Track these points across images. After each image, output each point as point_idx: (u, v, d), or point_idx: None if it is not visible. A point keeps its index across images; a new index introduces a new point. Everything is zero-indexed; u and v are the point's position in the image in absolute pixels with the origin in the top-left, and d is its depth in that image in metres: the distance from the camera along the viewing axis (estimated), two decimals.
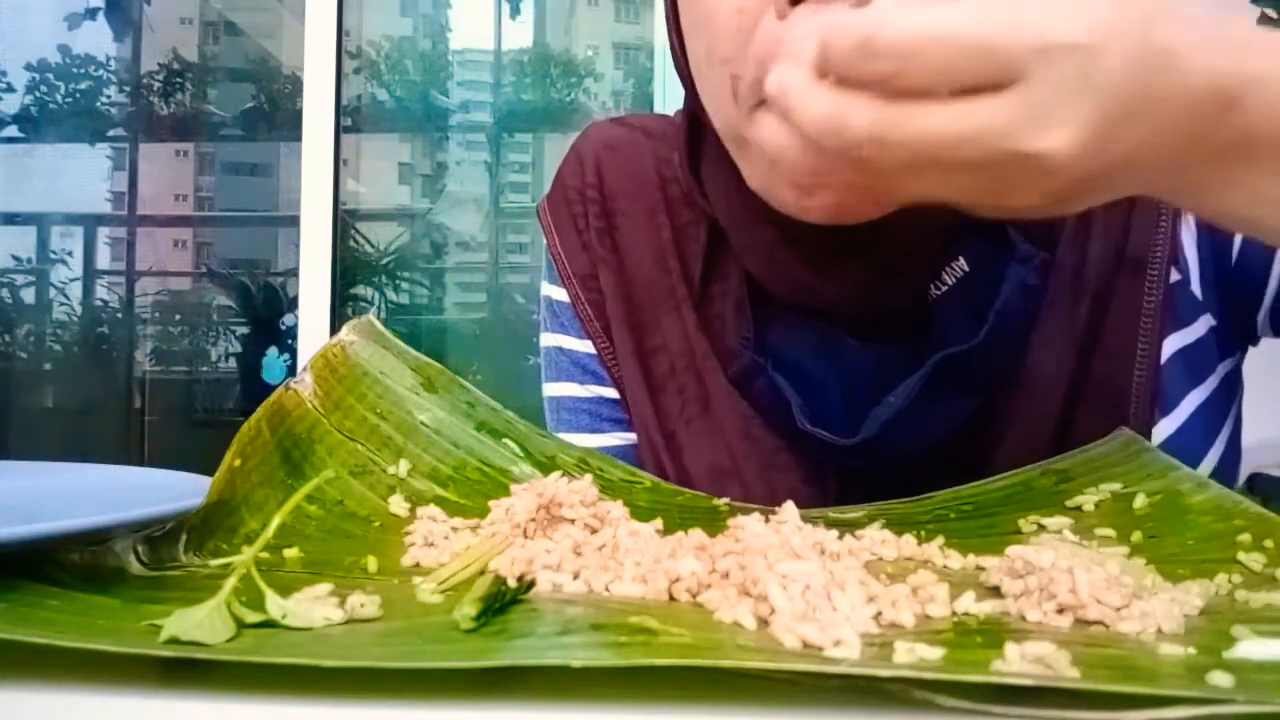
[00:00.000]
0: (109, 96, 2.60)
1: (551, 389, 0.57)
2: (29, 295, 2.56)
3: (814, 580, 0.26)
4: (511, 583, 0.29)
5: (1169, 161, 0.30)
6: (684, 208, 0.54)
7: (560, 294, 0.56)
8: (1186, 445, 0.47)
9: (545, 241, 0.57)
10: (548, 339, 0.58)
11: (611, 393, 0.55)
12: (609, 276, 0.54)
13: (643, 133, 0.57)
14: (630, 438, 0.55)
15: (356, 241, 2.36)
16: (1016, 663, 0.22)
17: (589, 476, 0.37)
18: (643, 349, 0.53)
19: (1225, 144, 0.30)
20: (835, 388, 0.47)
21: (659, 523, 0.34)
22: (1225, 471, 0.50)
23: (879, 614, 0.26)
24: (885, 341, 0.47)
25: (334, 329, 1.93)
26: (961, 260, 0.45)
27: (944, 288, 0.45)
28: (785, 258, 0.46)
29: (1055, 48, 0.26)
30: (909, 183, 0.30)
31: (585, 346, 0.55)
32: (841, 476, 0.48)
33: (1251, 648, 0.23)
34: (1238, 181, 0.32)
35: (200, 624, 0.24)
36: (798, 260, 0.45)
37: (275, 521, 0.30)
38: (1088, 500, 0.37)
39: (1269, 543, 0.32)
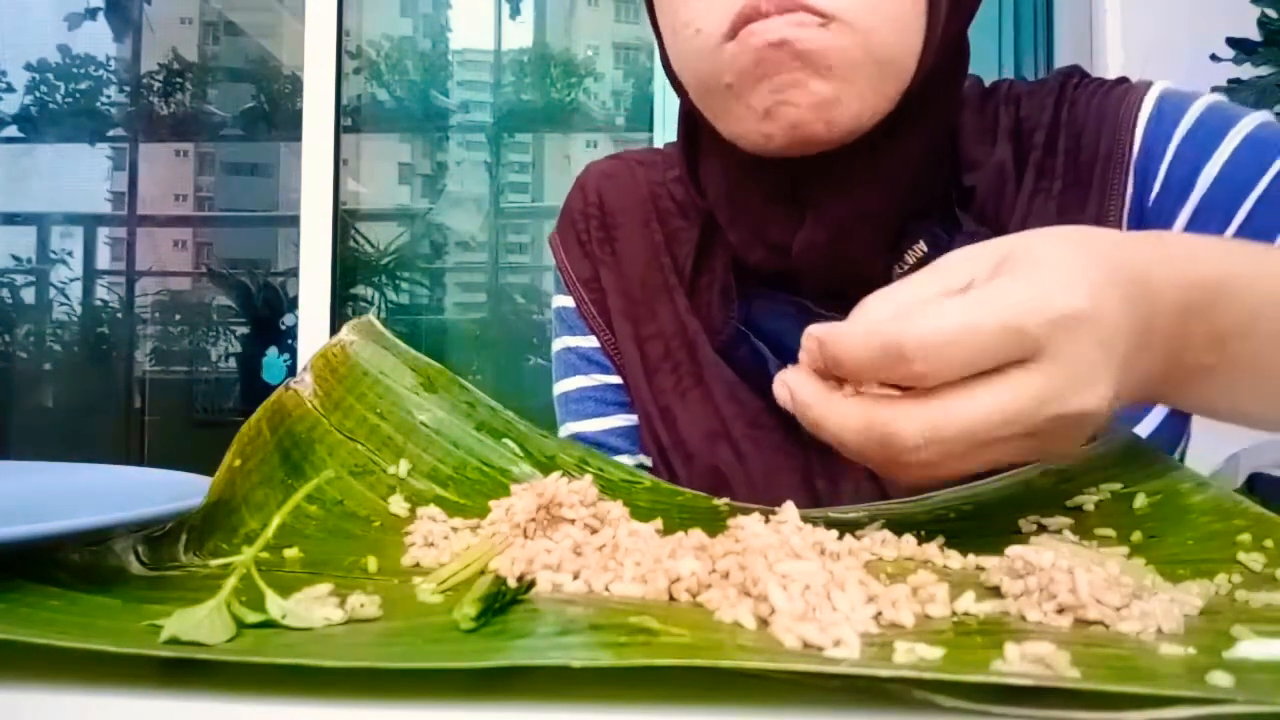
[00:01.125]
0: (109, 96, 2.60)
1: (561, 385, 0.63)
2: (29, 295, 2.56)
3: (814, 580, 0.26)
4: (511, 583, 0.29)
5: (1159, 373, 0.34)
6: (674, 217, 0.61)
7: (567, 301, 0.63)
8: None
9: (554, 262, 0.63)
10: (558, 343, 0.64)
11: (614, 379, 0.61)
12: (609, 276, 0.61)
13: (635, 162, 0.65)
14: (633, 419, 0.60)
15: (356, 241, 2.36)
16: (1016, 663, 0.22)
17: (589, 476, 0.37)
18: (640, 336, 0.59)
19: (1201, 347, 0.35)
20: None
21: (659, 523, 0.34)
22: (1171, 429, 0.52)
23: (879, 614, 0.26)
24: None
25: (334, 329, 1.93)
26: (921, 243, 0.50)
27: (905, 267, 0.50)
28: (763, 220, 0.52)
29: (1067, 318, 0.29)
30: (966, 464, 0.32)
31: (590, 341, 0.61)
32: None
33: (1251, 648, 0.23)
34: (1212, 377, 0.36)
35: (200, 624, 0.24)
36: (772, 221, 0.51)
37: (275, 521, 0.30)
38: (1088, 500, 0.37)
39: (1269, 543, 0.32)
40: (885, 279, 0.49)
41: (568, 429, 0.62)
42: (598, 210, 0.62)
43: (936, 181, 0.52)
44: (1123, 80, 0.54)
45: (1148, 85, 0.53)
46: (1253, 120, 0.50)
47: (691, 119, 0.55)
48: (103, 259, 2.59)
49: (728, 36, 0.44)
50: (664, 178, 0.62)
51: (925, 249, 0.50)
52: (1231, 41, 1.55)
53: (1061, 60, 1.84)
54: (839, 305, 0.50)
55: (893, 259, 0.51)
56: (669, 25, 0.49)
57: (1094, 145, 0.52)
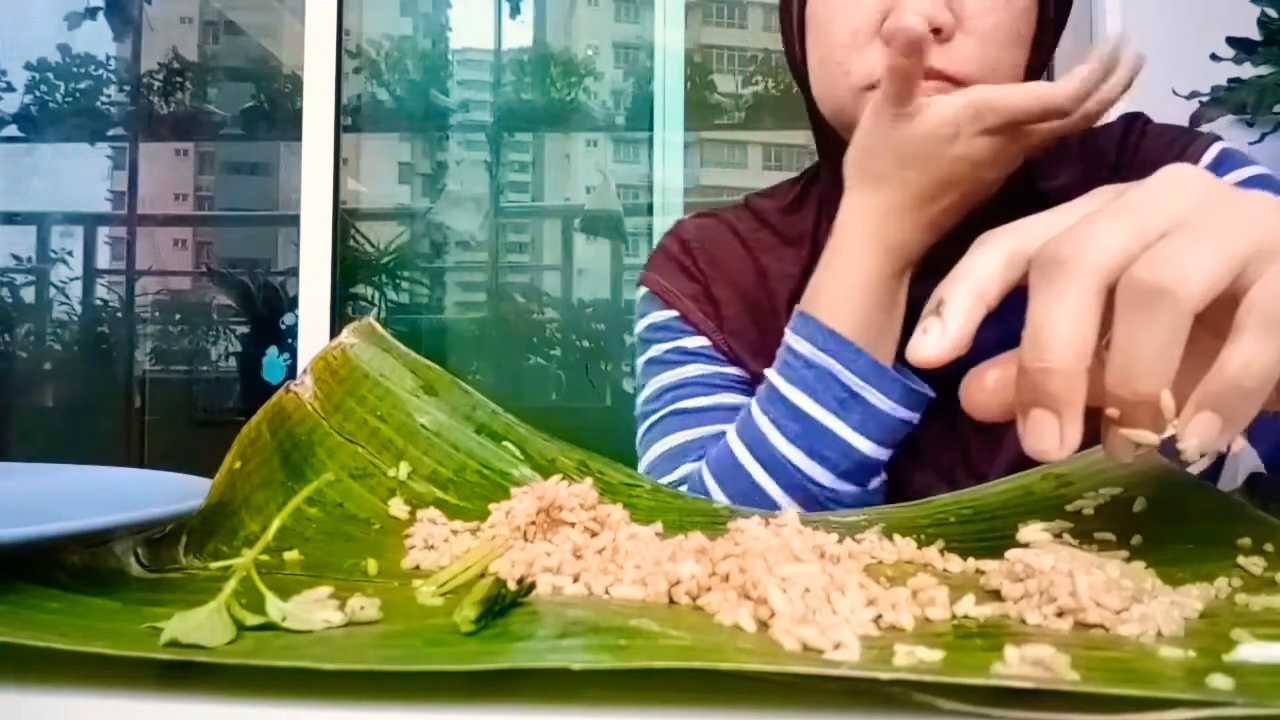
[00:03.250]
0: (109, 96, 2.60)
1: (658, 381, 0.66)
2: (29, 295, 2.57)
3: (814, 583, 0.26)
4: (511, 585, 0.29)
5: None
6: (777, 248, 0.67)
7: (666, 313, 0.68)
8: None
9: (648, 291, 0.69)
10: (653, 351, 0.68)
11: (726, 369, 0.65)
12: (723, 288, 0.66)
13: (721, 215, 0.71)
14: (742, 399, 0.63)
15: (356, 241, 2.36)
16: (1016, 665, 0.22)
17: (589, 480, 0.37)
18: (765, 344, 0.62)
19: None
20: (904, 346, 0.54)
21: (659, 525, 0.34)
22: None
23: (879, 617, 0.26)
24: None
25: (334, 328, 1.93)
26: None
27: None
28: None
29: None
30: None
31: (698, 341, 0.66)
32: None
33: (1251, 651, 0.23)
34: None
35: (200, 626, 0.24)
36: None
37: (275, 524, 0.30)
38: (1087, 504, 0.37)
39: (1269, 546, 0.32)
40: None
41: (668, 410, 0.64)
42: (700, 245, 0.69)
43: (1015, 186, 0.56)
44: (1187, 129, 0.61)
45: (1215, 137, 0.59)
46: None
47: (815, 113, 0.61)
48: (103, 258, 2.60)
49: (872, 86, 0.51)
50: (759, 222, 0.69)
51: None
52: (1231, 41, 1.55)
53: (1061, 60, 1.84)
54: (921, 291, 0.54)
55: None
56: (819, 53, 0.55)
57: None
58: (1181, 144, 0.59)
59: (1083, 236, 0.28)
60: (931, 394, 0.54)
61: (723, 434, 0.58)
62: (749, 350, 0.64)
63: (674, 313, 0.67)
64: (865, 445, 0.52)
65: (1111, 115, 0.62)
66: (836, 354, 0.52)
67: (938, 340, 0.30)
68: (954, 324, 0.30)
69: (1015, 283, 0.31)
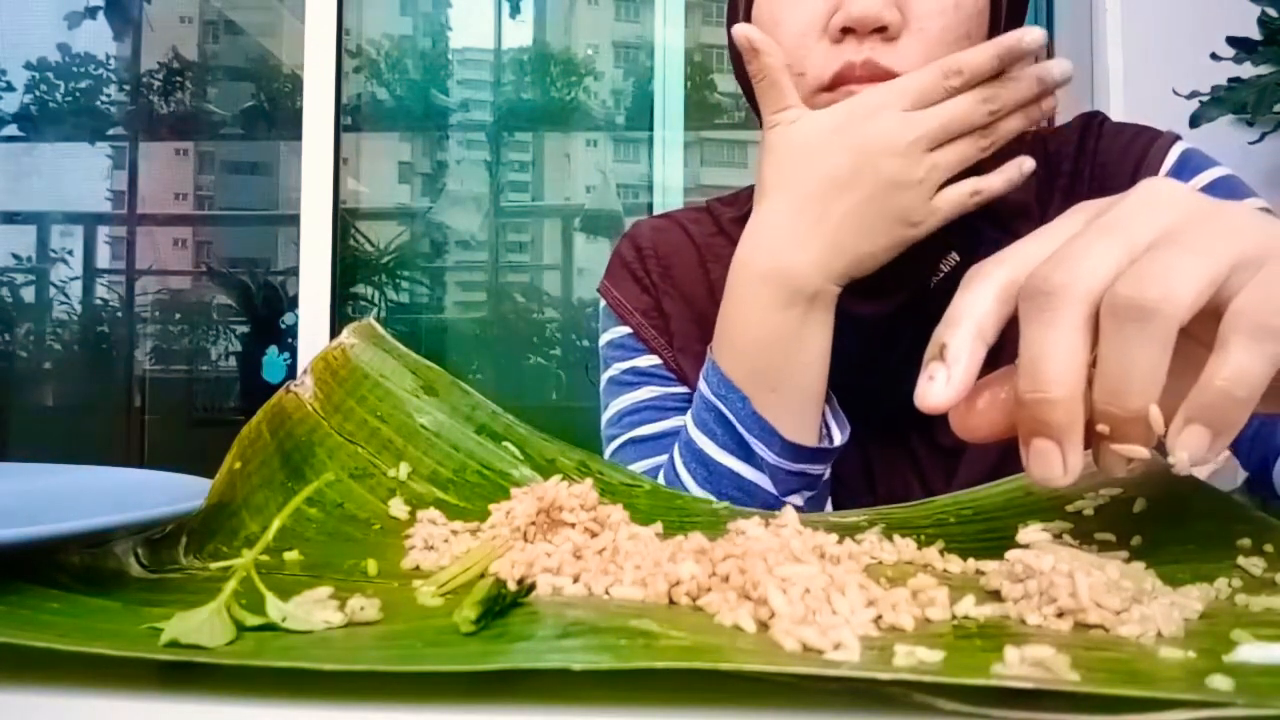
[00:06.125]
0: (109, 95, 2.60)
1: (617, 405, 0.66)
2: (29, 294, 2.56)
3: (814, 584, 0.26)
4: (511, 586, 0.29)
5: None
6: (720, 266, 0.64)
7: (622, 330, 0.67)
8: None
9: (604, 302, 0.68)
10: (612, 370, 0.67)
11: (674, 389, 0.65)
12: (674, 304, 0.65)
13: (682, 219, 0.70)
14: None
15: (356, 240, 2.36)
16: (1016, 666, 0.22)
17: (589, 480, 0.37)
18: (708, 338, 0.62)
19: None
20: (858, 363, 0.55)
21: (659, 526, 0.34)
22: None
23: (879, 617, 0.26)
24: (896, 329, 0.56)
25: (334, 328, 1.93)
26: (953, 253, 0.55)
27: (940, 275, 0.55)
28: None
29: None
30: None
31: (649, 360, 0.66)
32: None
33: (1251, 652, 0.23)
34: None
35: (200, 627, 0.24)
36: None
37: (275, 524, 0.30)
38: (1087, 504, 0.37)
39: (1269, 547, 0.32)
40: (924, 288, 0.55)
41: (625, 438, 0.63)
42: (653, 253, 0.67)
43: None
44: (1145, 128, 0.59)
45: (1175, 136, 0.58)
46: (1255, 202, 0.52)
47: None
48: (103, 258, 2.59)
49: (826, 88, 0.51)
50: (716, 228, 0.68)
51: (958, 258, 0.55)
52: (1231, 40, 1.55)
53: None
54: (875, 308, 0.55)
55: (927, 269, 0.55)
56: None
57: (1119, 176, 0.56)
58: (1141, 144, 0.57)
59: (1069, 263, 0.28)
60: (826, 445, 0.51)
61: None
62: (697, 368, 0.62)
63: (628, 329, 0.66)
64: (772, 488, 0.51)
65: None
66: (725, 398, 0.51)
67: (944, 387, 0.30)
68: (959, 368, 0.30)
69: (1011, 314, 0.31)
